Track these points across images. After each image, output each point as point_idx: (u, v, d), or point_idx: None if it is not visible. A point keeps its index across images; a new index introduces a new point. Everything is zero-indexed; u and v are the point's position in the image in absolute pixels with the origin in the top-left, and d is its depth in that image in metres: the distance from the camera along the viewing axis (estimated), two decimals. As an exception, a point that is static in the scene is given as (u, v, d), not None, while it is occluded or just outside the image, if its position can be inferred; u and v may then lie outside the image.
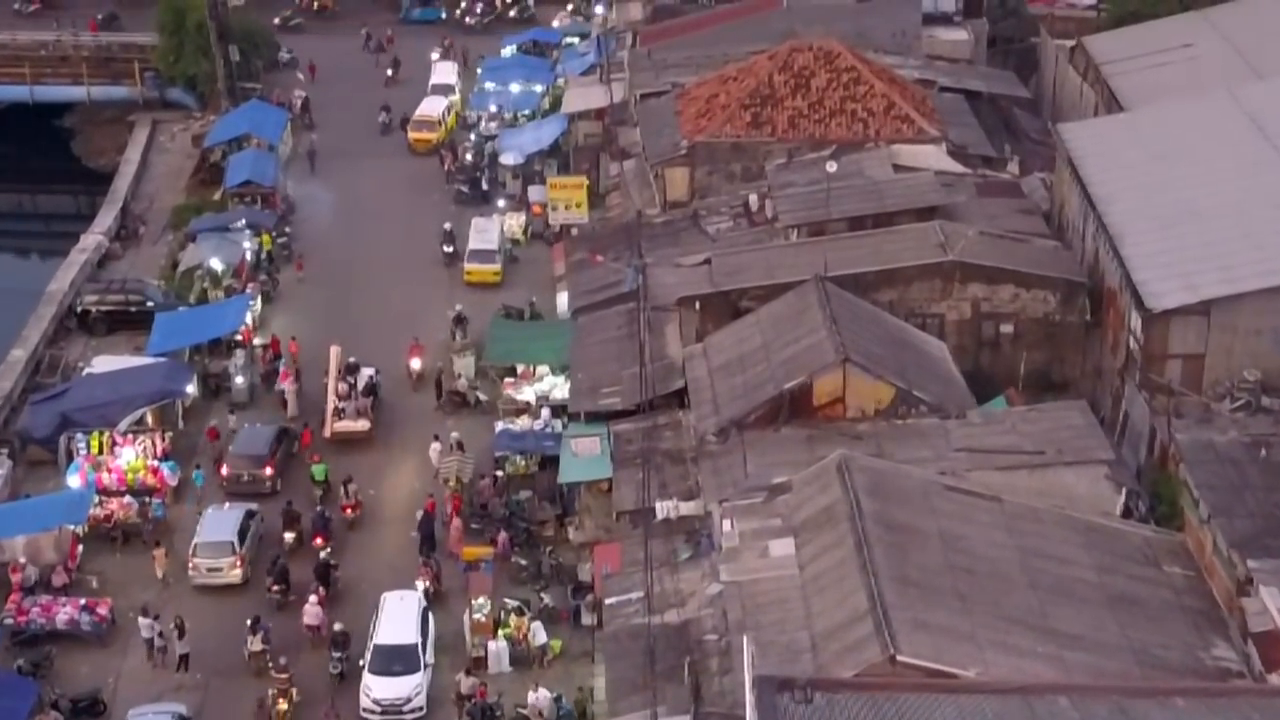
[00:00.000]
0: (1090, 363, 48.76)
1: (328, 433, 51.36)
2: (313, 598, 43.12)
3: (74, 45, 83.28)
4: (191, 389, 51.87)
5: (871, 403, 42.31)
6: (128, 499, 46.94)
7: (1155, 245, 46.25)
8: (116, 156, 75.88)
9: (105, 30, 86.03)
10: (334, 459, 49.65)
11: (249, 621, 41.86)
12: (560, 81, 76.12)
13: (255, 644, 41.51)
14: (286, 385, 53.38)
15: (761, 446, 41.59)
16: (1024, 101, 68.17)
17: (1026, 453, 40.18)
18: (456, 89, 78.18)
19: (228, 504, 46.78)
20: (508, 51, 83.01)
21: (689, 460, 43.69)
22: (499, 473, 48.06)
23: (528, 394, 51.90)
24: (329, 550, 45.45)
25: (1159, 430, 42.57)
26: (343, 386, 52.49)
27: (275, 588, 44.08)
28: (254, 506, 46.59)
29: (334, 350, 53.92)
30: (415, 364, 54.39)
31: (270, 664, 40.83)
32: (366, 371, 53.35)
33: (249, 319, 56.33)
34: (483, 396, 52.98)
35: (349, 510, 47.45)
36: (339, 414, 51.62)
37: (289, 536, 46.20)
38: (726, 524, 37.79)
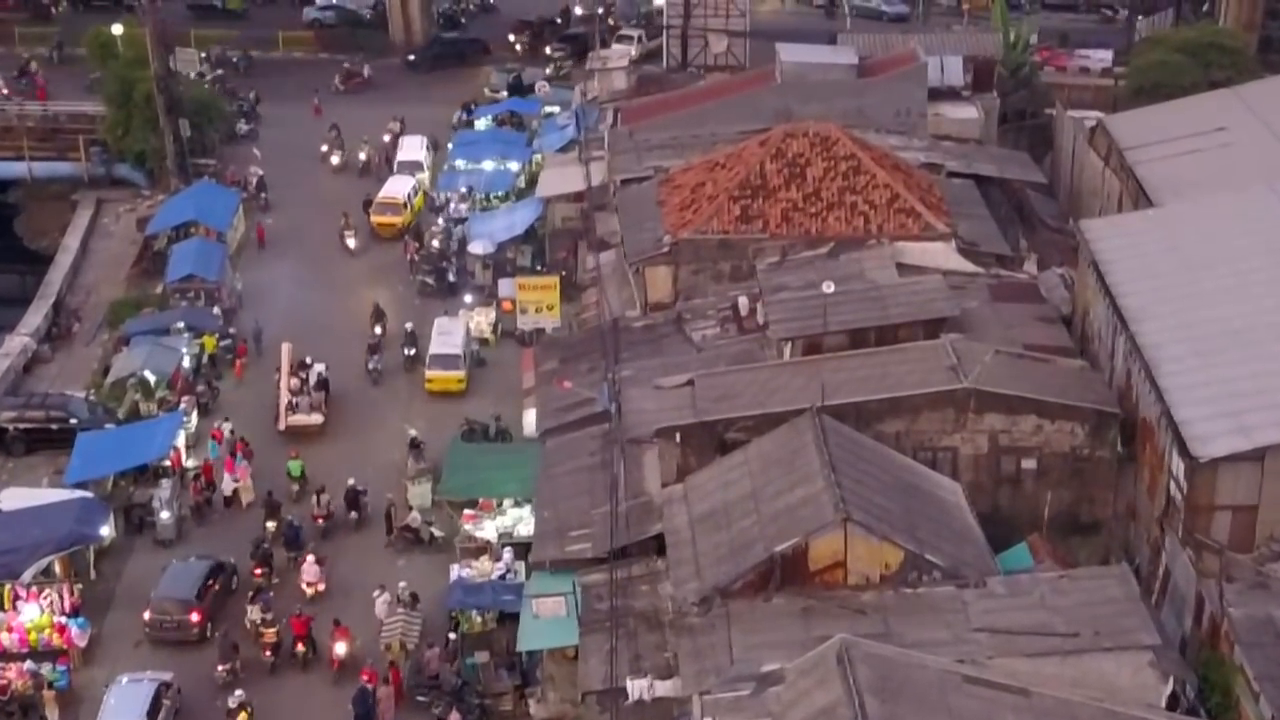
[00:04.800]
0: (1123, 502, 43.13)
1: (282, 426, 53.59)
2: (310, 558, 46.15)
3: (18, 115, 77.74)
4: (107, 531, 46.22)
5: (877, 568, 36.69)
6: (28, 665, 41.22)
7: (1197, 375, 40.68)
8: (59, 238, 70.22)
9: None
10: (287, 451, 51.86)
11: (250, 593, 44.67)
12: (538, 157, 70.61)
13: (255, 613, 43.77)
14: (240, 477, 49.95)
15: (749, 620, 35.95)
16: (1038, 184, 62.68)
17: (1058, 634, 34.52)
18: (425, 167, 72.54)
19: (148, 674, 41.05)
20: (482, 124, 77.47)
21: (667, 624, 38.08)
22: (452, 634, 42.40)
23: (489, 530, 46.48)
24: (354, 481, 49.48)
25: (1208, 598, 36.93)
26: (294, 382, 54.50)
27: (259, 571, 45.97)
28: (168, 677, 40.90)
29: (285, 347, 56.01)
30: (339, 649, 43.11)
31: (261, 624, 43.36)
32: (318, 367, 55.45)
33: (181, 439, 50.73)
34: (438, 532, 47.40)
35: (320, 520, 48.58)
36: (292, 408, 53.63)
37: (270, 525, 48.14)
38: (708, 724, 32.27)
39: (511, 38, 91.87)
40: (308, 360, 55.90)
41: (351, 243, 66.53)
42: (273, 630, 43.17)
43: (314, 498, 49.04)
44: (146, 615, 43.76)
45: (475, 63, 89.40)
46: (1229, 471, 38.09)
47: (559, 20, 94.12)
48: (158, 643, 43.59)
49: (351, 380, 56.54)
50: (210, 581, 44.90)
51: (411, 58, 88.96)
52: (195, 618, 43.69)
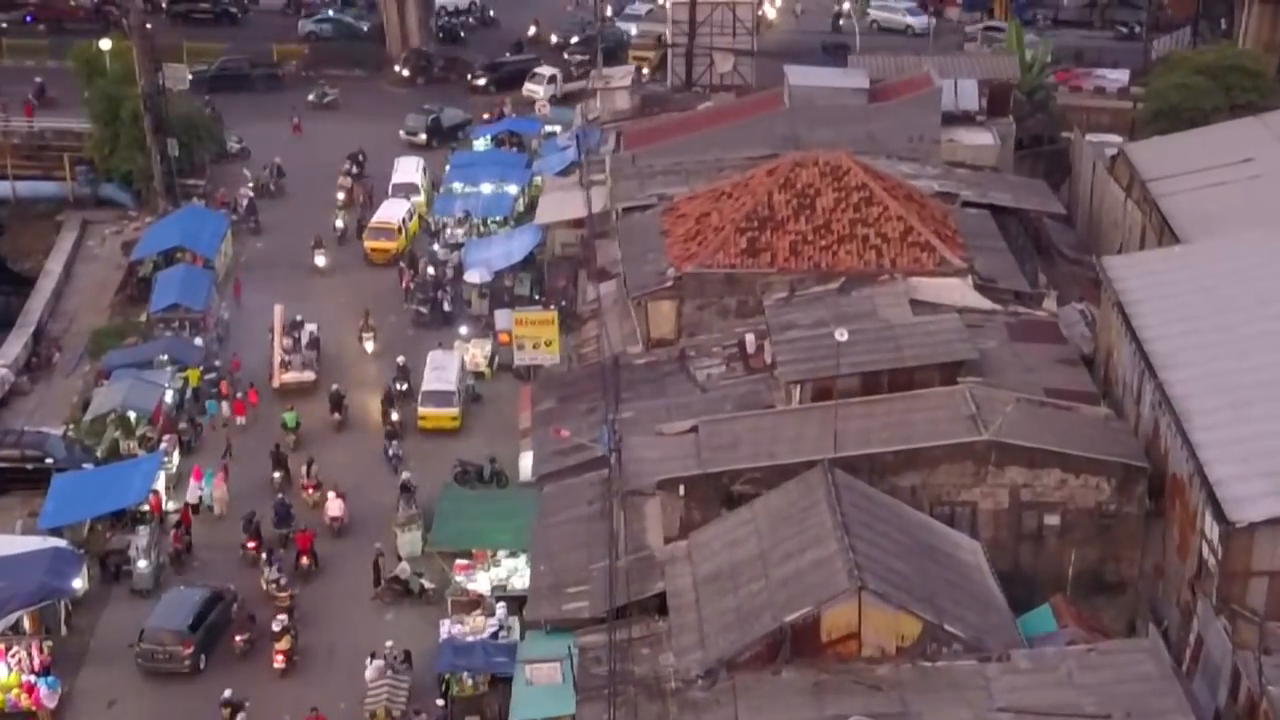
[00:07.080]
0: (1150, 561, 40.86)
1: (276, 383, 55.78)
2: (331, 494, 48.38)
3: (3, 132, 75.47)
4: (79, 584, 43.93)
5: (893, 639, 34.48)
6: (-7, 729, 39.20)
7: (1230, 430, 38.38)
8: (43, 259, 67.85)
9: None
10: (280, 406, 54.03)
11: (264, 554, 46.35)
12: (538, 180, 68.24)
13: (271, 573, 45.33)
14: (217, 489, 49.25)
15: (758, 696, 33.77)
16: (1056, 214, 60.37)
17: (1088, 715, 32.28)
18: (421, 189, 70.04)
19: None
20: (480, 144, 75.09)
21: (669, 693, 35.81)
22: (440, 700, 40.11)
23: (482, 582, 44.24)
24: (337, 387, 54.19)
25: (1245, 672, 34.66)
26: (288, 341, 56.53)
27: (250, 544, 46.74)
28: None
29: (278, 309, 57.78)
30: None
31: (275, 587, 44.80)
32: (310, 327, 57.59)
33: (161, 480, 48.50)
34: (428, 584, 45.12)
35: (310, 490, 49.42)
36: (286, 366, 55.87)
37: (277, 476, 50.06)
38: (713, 815, 30.06)
39: (397, 68, 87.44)
40: (299, 319, 57.83)
41: (370, 346, 59.08)
42: (287, 595, 44.68)
43: (304, 468, 49.92)
44: (140, 644, 42.58)
45: (267, 90, 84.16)
46: (1267, 536, 35.83)
47: (510, 54, 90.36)
48: (150, 673, 42.40)
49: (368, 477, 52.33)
50: (205, 611, 43.50)
51: (189, 77, 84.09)
52: (187, 650, 42.45)
